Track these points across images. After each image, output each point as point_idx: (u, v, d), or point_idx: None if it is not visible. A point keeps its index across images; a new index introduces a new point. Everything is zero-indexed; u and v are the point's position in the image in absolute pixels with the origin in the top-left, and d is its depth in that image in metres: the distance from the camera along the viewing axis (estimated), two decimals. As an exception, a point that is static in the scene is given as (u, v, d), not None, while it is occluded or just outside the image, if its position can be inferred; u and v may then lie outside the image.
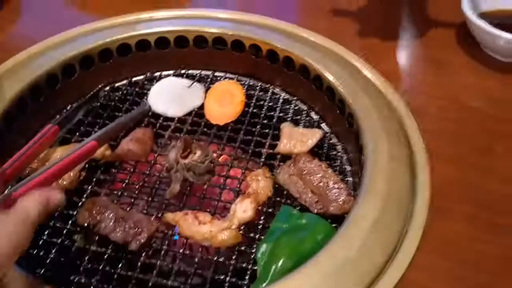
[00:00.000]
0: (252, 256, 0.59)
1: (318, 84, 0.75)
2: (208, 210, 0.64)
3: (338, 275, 0.50)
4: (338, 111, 0.73)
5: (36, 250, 0.59)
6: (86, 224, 0.60)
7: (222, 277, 0.57)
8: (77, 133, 0.74)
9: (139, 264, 0.58)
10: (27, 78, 0.72)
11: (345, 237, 0.53)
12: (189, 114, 0.78)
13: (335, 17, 0.91)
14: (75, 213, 0.62)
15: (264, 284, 0.56)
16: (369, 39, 0.84)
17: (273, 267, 0.57)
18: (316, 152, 0.71)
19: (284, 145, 0.71)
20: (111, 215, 0.60)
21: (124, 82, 0.83)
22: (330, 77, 0.73)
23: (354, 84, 0.71)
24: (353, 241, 0.53)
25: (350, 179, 0.69)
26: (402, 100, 0.72)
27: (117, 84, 0.83)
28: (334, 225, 0.61)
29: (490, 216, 0.59)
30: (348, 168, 0.71)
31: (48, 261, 0.58)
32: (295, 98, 0.81)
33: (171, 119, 0.77)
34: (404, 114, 0.70)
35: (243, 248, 0.60)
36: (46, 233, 0.61)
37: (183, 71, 0.85)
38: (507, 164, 0.65)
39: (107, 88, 0.82)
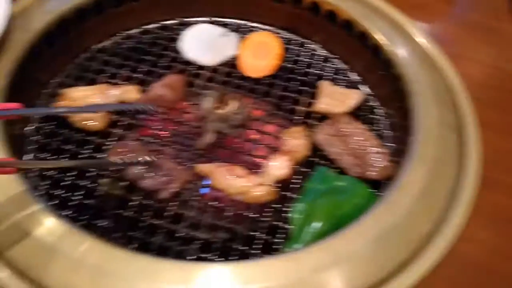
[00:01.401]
0: (285, 215, 0.57)
1: (362, 42, 0.71)
2: (240, 164, 0.61)
3: (382, 241, 0.48)
4: (383, 73, 0.68)
5: (62, 191, 0.56)
6: (114, 168, 0.57)
7: (254, 234, 0.55)
8: (104, 75, 0.70)
9: (167, 213, 0.56)
10: (55, 10, 0.68)
11: (391, 203, 0.50)
12: (222, 64, 0.74)
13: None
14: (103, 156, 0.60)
15: (298, 245, 0.53)
16: (423, 2, 0.79)
17: (308, 228, 0.55)
18: (355, 114, 0.67)
19: (322, 104, 0.67)
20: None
21: (155, 25, 0.79)
22: (377, 35, 0.68)
23: (404, 45, 0.67)
24: (400, 208, 0.50)
25: (392, 144, 0.66)
26: (452, 66, 0.67)
27: (147, 27, 0.78)
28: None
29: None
30: (388, 133, 0.67)
31: (73, 203, 0.56)
32: (334, 56, 0.77)
33: (204, 68, 0.73)
34: (453, 80, 0.66)
35: (276, 205, 0.58)
36: (72, 174, 0.58)
37: (216, 19, 0.81)
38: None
39: (137, 30, 0.77)
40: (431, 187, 0.52)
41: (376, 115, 0.70)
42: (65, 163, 0.55)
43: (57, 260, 0.45)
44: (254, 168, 0.62)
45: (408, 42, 0.68)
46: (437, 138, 0.56)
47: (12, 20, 0.64)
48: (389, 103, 0.69)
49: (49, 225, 0.47)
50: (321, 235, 0.52)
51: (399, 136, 0.65)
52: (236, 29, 0.80)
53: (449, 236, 0.50)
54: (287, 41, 0.78)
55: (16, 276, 0.45)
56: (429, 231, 0.50)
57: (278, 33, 0.79)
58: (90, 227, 0.51)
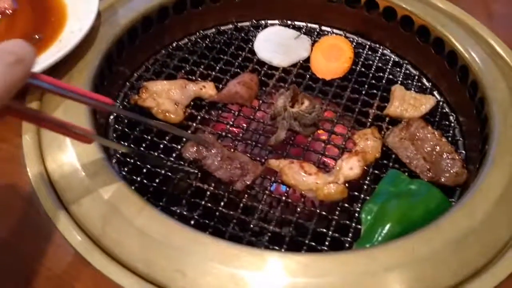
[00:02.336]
0: (356, 215, 0.57)
1: (437, 48, 0.71)
2: (311, 162, 0.61)
3: (460, 244, 0.47)
4: (457, 79, 0.68)
5: (140, 177, 0.59)
6: (191, 159, 0.59)
7: (324, 230, 0.55)
8: (183, 71, 0.73)
9: (241, 204, 0.57)
10: (139, 8, 0.71)
11: (469, 207, 0.50)
12: (294, 65, 0.76)
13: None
14: (179, 147, 0.62)
15: (368, 245, 0.53)
16: (498, 9, 0.78)
17: (380, 229, 0.54)
18: (427, 120, 0.67)
19: (395, 108, 0.67)
20: (218, 153, 0.59)
21: (230, 26, 0.81)
22: (454, 41, 0.68)
23: (481, 52, 0.66)
24: (478, 212, 0.49)
25: (463, 151, 0.65)
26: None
27: (223, 28, 0.81)
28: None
29: None
30: (461, 140, 0.66)
31: (151, 189, 0.58)
32: (405, 61, 0.77)
33: (276, 68, 0.75)
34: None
35: (346, 205, 0.58)
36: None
37: (289, 22, 0.82)
38: None
39: (213, 30, 0.80)
40: (510, 193, 0.51)
41: (448, 121, 0.69)
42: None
43: (137, 238, 0.48)
44: (324, 167, 0.63)
45: (484, 49, 0.67)
46: (516, 146, 0.55)
47: (99, 16, 0.69)
48: (463, 110, 0.68)
49: (129, 204, 0.50)
50: (392, 237, 0.52)
51: (471, 143, 0.64)
52: (308, 32, 0.81)
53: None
54: (359, 45, 0.79)
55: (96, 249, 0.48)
56: (508, 237, 0.48)
57: (349, 37, 0.80)
58: (166, 212, 0.54)
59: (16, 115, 0.40)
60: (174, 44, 0.78)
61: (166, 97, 0.65)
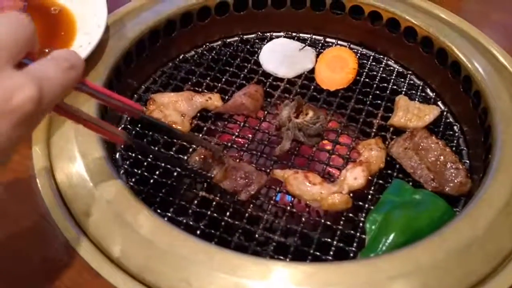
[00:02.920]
0: (360, 224, 0.57)
1: (441, 58, 0.71)
2: (316, 172, 0.62)
3: (463, 254, 0.47)
4: (461, 89, 0.68)
5: (147, 188, 0.60)
6: (197, 169, 0.60)
7: (329, 240, 0.56)
8: (189, 82, 0.74)
9: (246, 214, 0.58)
10: (147, 21, 0.73)
11: (473, 216, 0.50)
12: (299, 76, 0.77)
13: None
14: (185, 157, 0.63)
15: (372, 255, 0.54)
16: (501, 19, 0.79)
17: (384, 239, 0.55)
18: (431, 130, 0.67)
19: (399, 118, 0.68)
20: (223, 163, 0.60)
21: (236, 38, 0.82)
22: (457, 51, 0.68)
23: (484, 62, 0.67)
24: (481, 221, 0.50)
25: (467, 161, 0.65)
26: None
27: (229, 40, 0.82)
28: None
29: None
30: (465, 149, 0.67)
31: (158, 199, 0.59)
32: (409, 72, 0.77)
33: (281, 80, 0.76)
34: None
35: (350, 215, 0.59)
36: (157, 173, 0.61)
37: (294, 34, 0.83)
38: None
39: (219, 42, 0.82)
40: (513, 203, 0.51)
41: (452, 131, 0.70)
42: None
43: (143, 248, 0.48)
44: (328, 177, 0.64)
45: (487, 59, 0.68)
46: (519, 155, 0.55)
47: (108, 30, 0.70)
48: (466, 119, 0.68)
49: (137, 215, 0.51)
50: (397, 247, 0.52)
51: (475, 153, 0.65)
52: (313, 44, 0.82)
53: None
54: (363, 56, 0.80)
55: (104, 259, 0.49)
56: (510, 247, 0.49)
57: (354, 49, 0.81)
58: (172, 223, 0.55)
59: (62, 113, 0.45)
60: (181, 57, 0.79)
61: (173, 108, 0.66)
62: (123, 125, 0.68)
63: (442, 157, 0.62)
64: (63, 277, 0.48)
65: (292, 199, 0.60)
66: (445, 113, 0.71)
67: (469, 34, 0.73)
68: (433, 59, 0.73)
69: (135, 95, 0.72)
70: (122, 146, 0.64)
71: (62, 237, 0.50)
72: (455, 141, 0.68)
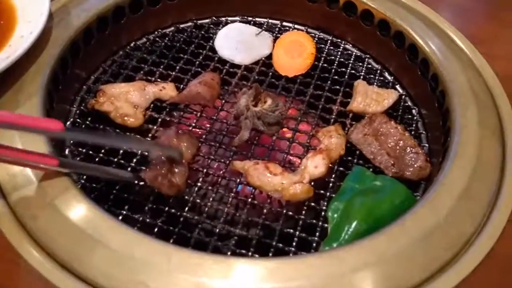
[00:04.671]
0: (322, 213, 0.56)
1: (398, 42, 0.71)
2: (276, 162, 0.61)
3: (426, 240, 0.47)
4: (419, 72, 0.68)
5: (100, 185, 0.57)
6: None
7: (290, 231, 0.54)
8: (141, 72, 0.71)
9: (206, 208, 0.56)
10: (94, 8, 0.69)
11: (433, 202, 0.50)
12: (256, 62, 0.75)
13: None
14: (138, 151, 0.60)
15: (336, 244, 0.53)
16: (457, 1, 0.79)
17: (346, 227, 0.54)
18: (390, 114, 0.67)
19: (358, 103, 0.67)
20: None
21: (189, 24, 0.79)
22: (414, 35, 0.68)
23: (441, 45, 0.66)
24: (442, 207, 0.50)
25: (427, 145, 0.65)
26: (490, 66, 0.67)
27: (182, 26, 0.79)
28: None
29: None
30: (424, 133, 0.67)
31: (111, 196, 0.56)
32: (367, 55, 0.77)
33: (238, 66, 0.74)
34: (492, 81, 0.65)
35: (312, 204, 0.58)
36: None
37: (249, 18, 0.81)
38: None
39: (172, 28, 0.78)
40: (473, 186, 0.52)
41: (411, 115, 0.69)
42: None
43: (97, 251, 0.46)
44: (289, 166, 0.62)
45: (444, 42, 0.68)
46: (477, 139, 0.56)
47: (52, 18, 0.66)
48: (424, 103, 0.68)
49: (88, 216, 0.48)
50: (359, 235, 0.52)
51: (434, 136, 0.65)
52: (270, 28, 0.80)
53: (491, 237, 0.49)
54: (320, 41, 0.78)
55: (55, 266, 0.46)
56: (471, 232, 0.49)
57: (311, 33, 0.79)
58: (128, 220, 0.52)
59: None
60: (132, 44, 0.75)
61: (124, 100, 0.63)
62: (71, 119, 0.64)
63: (401, 142, 0.62)
64: (11, 285, 0.45)
65: (253, 190, 0.59)
66: (403, 96, 0.71)
67: (426, 16, 0.73)
68: (390, 42, 0.72)
69: (84, 87, 0.69)
70: (71, 142, 0.61)
71: (9, 245, 0.47)
72: (414, 125, 0.68)
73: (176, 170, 0.55)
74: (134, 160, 0.60)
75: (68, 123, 0.63)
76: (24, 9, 0.66)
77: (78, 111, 0.65)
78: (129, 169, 0.59)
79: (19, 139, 0.53)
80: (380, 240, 0.47)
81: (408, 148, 0.62)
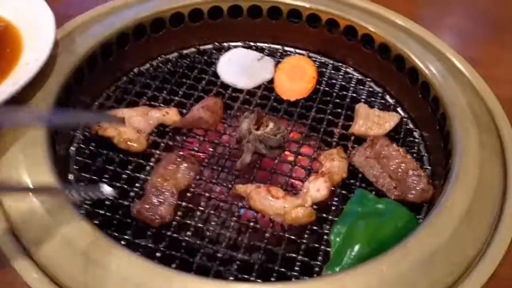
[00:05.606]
0: (325, 237, 0.56)
1: (398, 65, 0.71)
2: (278, 185, 0.61)
3: (427, 264, 0.47)
4: (419, 95, 0.68)
5: (104, 211, 0.57)
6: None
7: (293, 255, 0.54)
8: (145, 97, 0.72)
9: (208, 233, 0.56)
10: (98, 35, 0.70)
11: (435, 225, 0.50)
12: (258, 87, 0.75)
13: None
14: (142, 176, 0.61)
15: (338, 268, 0.53)
16: (456, 24, 0.80)
17: (349, 251, 0.54)
18: (392, 136, 0.67)
19: (360, 126, 0.67)
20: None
21: (192, 49, 0.80)
22: (414, 58, 0.68)
23: (441, 68, 0.67)
24: (444, 230, 0.49)
25: (429, 167, 0.65)
26: (490, 88, 0.67)
27: (185, 51, 0.80)
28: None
29: None
30: (426, 155, 0.67)
31: (115, 221, 0.56)
32: (368, 79, 0.77)
33: (240, 91, 0.74)
34: (492, 103, 0.66)
35: (314, 227, 0.57)
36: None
37: (251, 44, 0.82)
38: None
39: (175, 54, 0.79)
40: (474, 209, 0.51)
41: (413, 137, 0.70)
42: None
43: (98, 276, 0.46)
44: (291, 189, 0.62)
45: (444, 65, 0.68)
46: (478, 161, 0.56)
47: (57, 46, 0.67)
48: (426, 125, 0.69)
49: (91, 240, 0.48)
50: (362, 258, 0.52)
51: (436, 159, 0.65)
52: (271, 53, 0.81)
53: (493, 260, 0.49)
54: (322, 65, 0.79)
55: None
56: (474, 255, 0.49)
57: (312, 57, 0.80)
58: (131, 246, 0.52)
59: None
60: (135, 70, 0.76)
61: (128, 125, 0.64)
62: (76, 144, 0.65)
63: (403, 165, 0.62)
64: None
65: (256, 214, 0.59)
66: (405, 119, 0.71)
67: (425, 39, 0.73)
68: (391, 65, 0.73)
69: (88, 112, 0.69)
70: (75, 166, 0.62)
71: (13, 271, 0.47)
72: (416, 147, 0.68)
73: (165, 201, 0.56)
74: (137, 184, 0.60)
75: (73, 148, 0.64)
76: (29, 37, 0.67)
77: (81, 137, 0.66)
78: (132, 193, 0.59)
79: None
80: (382, 263, 0.47)
81: (410, 170, 0.62)
